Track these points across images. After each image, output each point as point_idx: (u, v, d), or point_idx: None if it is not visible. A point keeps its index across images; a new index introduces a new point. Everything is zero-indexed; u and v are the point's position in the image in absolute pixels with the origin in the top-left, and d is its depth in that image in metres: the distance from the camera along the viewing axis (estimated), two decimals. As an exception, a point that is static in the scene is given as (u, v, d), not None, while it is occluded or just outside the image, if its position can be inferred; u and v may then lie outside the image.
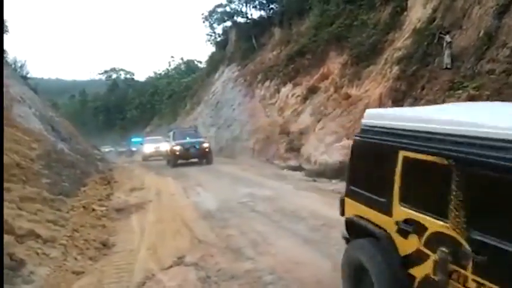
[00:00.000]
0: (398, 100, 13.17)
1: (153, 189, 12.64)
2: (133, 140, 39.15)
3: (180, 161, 20.41)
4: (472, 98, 10.11)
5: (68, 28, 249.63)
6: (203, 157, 20.05)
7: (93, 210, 8.74)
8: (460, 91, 10.59)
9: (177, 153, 19.72)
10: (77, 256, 6.16)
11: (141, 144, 31.21)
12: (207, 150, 20.00)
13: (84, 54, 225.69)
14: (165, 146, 25.88)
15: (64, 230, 6.88)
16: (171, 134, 22.00)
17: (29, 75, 31.54)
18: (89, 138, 38.47)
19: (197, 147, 19.89)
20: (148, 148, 28.89)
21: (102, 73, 78.83)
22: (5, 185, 6.73)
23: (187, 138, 20.71)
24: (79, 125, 48.09)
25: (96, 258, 6.31)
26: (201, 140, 20.73)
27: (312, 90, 20.54)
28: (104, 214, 8.75)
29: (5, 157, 8.33)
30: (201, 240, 6.87)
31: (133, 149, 36.23)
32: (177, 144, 19.95)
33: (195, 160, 20.46)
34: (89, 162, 17.13)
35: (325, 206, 8.62)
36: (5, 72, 20.85)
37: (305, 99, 20.76)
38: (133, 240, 7.25)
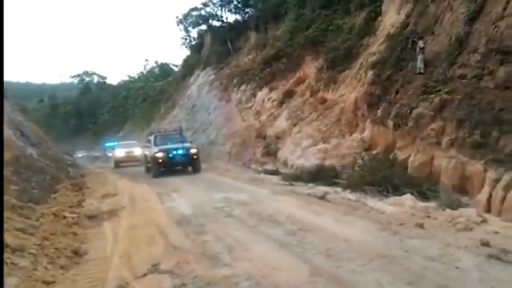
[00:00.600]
0: (373, 104, 13.36)
1: (127, 195, 12.36)
2: (107, 144, 37.61)
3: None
4: (444, 102, 10.34)
5: (38, 30, 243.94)
6: (190, 165, 17.68)
7: (64, 217, 8.46)
8: (433, 95, 10.78)
9: (160, 160, 16.88)
10: (48, 265, 5.91)
11: (113, 149, 29.39)
12: (195, 157, 17.36)
13: (54, 57, 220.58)
14: (138, 151, 25.20)
15: (34, 238, 6.61)
16: (151, 138, 19.07)
17: (-2, 79, 30.47)
18: (60, 143, 37.71)
19: (183, 153, 17.18)
20: (120, 153, 26.95)
21: (74, 76, 77.60)
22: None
23: (171, 143, 17.87)
24: (49, 130, 47.04)
25: (67, 267, 6.07)
26: (188, 145, 17.92)
27: (288, 94, 20.65)
28: (76, 221, 8.48)
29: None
30: (176, 247, 6.71)
31: (109, 154, 34.72)
32: (160, 151, 17.09)
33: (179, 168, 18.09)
34: (60, 168, 16.69)
35: (301, 210, 8.64)
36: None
37: (281, 103, 20.84)
38: (106, 247, 7.04)
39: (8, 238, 5.94)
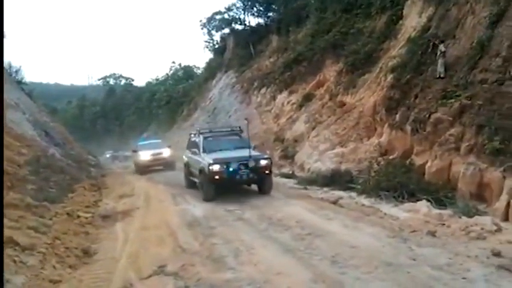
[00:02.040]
0: (391, 108, 13.13)
1: (143, 195, 12.52)
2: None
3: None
4: (464, 108, 10.09)
5: (67, 33, 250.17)
6: (258, 183, 11.68)
7: (78, 217, 8.63)
8: (452, 100, 10.53)
9: (217, 177, 10.86)
10: (56, 264, 6.03)
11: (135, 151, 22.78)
12: (266, 172, 11.36)
13: (83, 60, 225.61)
14: (167, 152, 21.28)
15: (45, 237, 6.75)
16: (199, 140, 12.79)
17: (27, 80, 31.40)
18: (87, 144, 38.48)
19: (251, 166, 10.99)
20: (145, 155, 20.94)
21: (101, 79, 79.39)
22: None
23: (230, 148, 12.07)
24: (77, 131, 48.17)
25: (75, 267, 6.19)
26: (256, 153, 11.76)
27: (308, 98, 20.52)
28: (89, 221, 8.64)
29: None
30: (184, 249, 6.76)
31: None
32: (217, 162, 11.02)
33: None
34: (81, 168, 17.03)
35: (312, 215, 8.56)
36: (0, 76, 20.87)
37: (300, 106, 20.72)
38: (116, 248, 7.14)
39: (19, 237, 6.08)
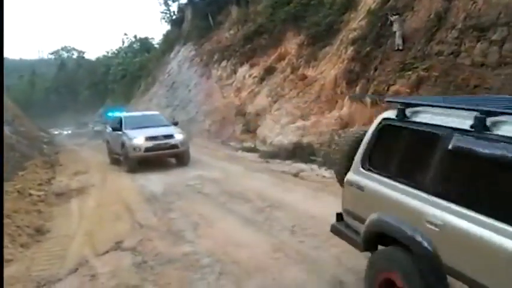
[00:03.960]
0: (352, 81, 13.19)
1: (99, 172, 12.08)
2: (110, 114, 21.32)
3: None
4: (421, 79, 10.25)
5: (14, 3, 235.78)
6: None
7: (30, 195, 8.25)
8: (410, 72, 10.68)
9: None
10: (7, 244, 5.74)
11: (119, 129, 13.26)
12: None
13: (31, 32, 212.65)
14: (178, 135, 12.55)
15: (-7, 216, 6.39)
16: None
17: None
18: (41, 121, 36.78)
19: None
20: (140, 139, 11.89)
21: (52, 53, 75.83)
22: None
23: None
24: (29, 107, 46.01)
25: (28, 245, 5.96)
26: None
27: (269, 71, 20.29)
28: (42, 199, 8.30)
29: None
30: (142, 225, 6.60)
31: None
32: None
33: None
34: (32, 145, 16.29)
35: (272, 187, 8.54)
36: None
37: (262, 79, 20.47)
38: (71, 225, 6.89)
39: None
